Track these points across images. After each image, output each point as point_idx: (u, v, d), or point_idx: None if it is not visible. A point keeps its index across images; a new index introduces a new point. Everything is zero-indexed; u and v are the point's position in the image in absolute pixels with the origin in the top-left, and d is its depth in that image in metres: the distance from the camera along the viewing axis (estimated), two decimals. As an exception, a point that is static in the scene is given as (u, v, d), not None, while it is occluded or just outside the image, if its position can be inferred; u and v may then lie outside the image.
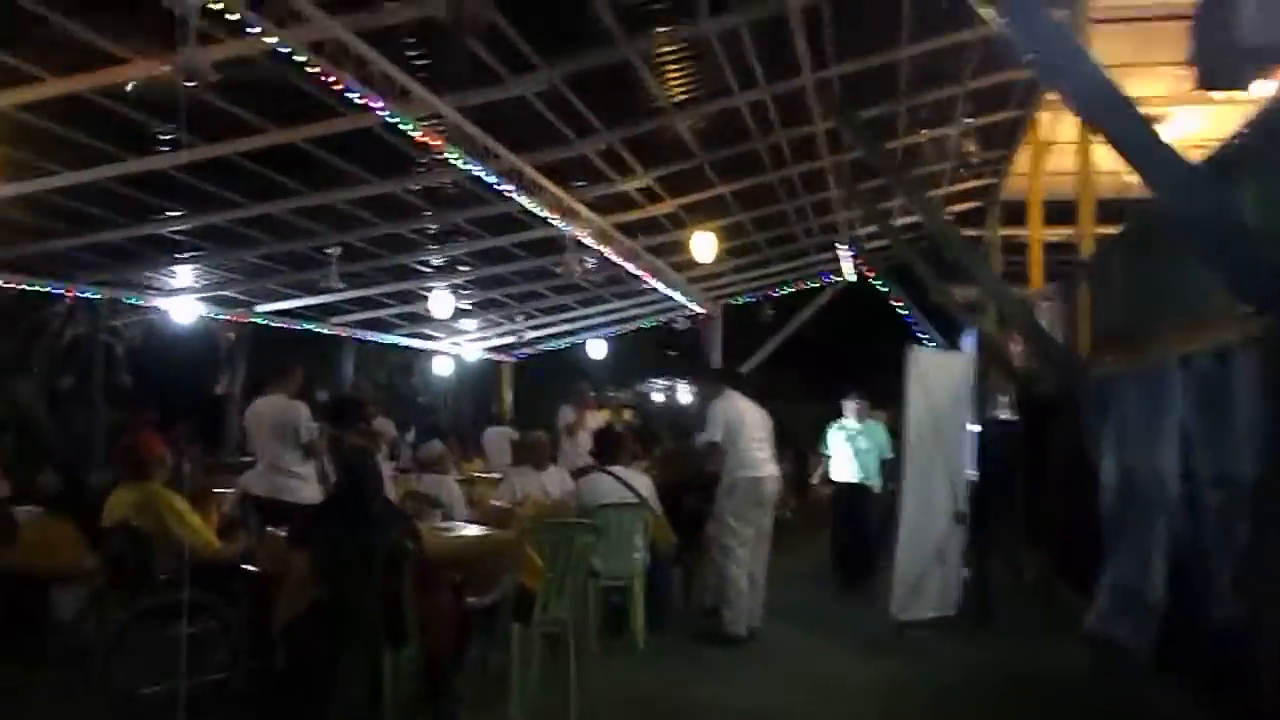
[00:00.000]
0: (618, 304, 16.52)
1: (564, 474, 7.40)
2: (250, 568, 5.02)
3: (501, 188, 8.11)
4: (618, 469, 6.65)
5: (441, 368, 16.89)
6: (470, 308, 15.17)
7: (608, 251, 10.99)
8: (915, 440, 7.42)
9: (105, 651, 4.90)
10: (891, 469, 9.02)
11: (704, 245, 10.35)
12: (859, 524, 9.54)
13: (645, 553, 6.47)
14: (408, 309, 14.63)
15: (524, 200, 8.52)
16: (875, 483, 9.73)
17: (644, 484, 6.63)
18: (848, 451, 9.74)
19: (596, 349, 16.95)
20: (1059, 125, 10.22)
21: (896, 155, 10.71)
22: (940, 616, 7.35)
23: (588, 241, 10.36)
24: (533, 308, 15.96)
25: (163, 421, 9.10)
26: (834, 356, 18.99)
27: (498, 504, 6.68)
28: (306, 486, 6.59)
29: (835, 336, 18.83)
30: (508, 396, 18.49)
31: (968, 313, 14.02)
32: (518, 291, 14.62)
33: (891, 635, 7.12)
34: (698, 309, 16.49)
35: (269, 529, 5.39)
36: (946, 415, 7.53)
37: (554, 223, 9.39)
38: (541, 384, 21.26)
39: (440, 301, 11.66)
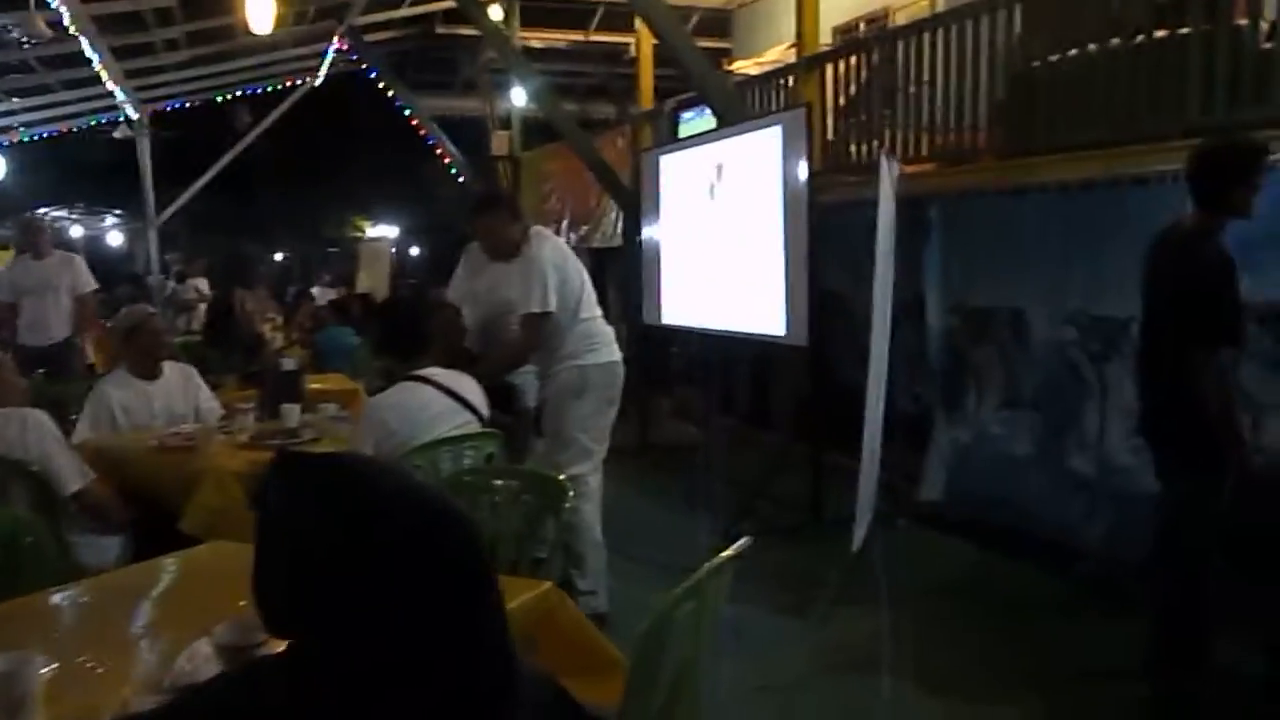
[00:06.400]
0: (14, 103, 11.80)
1: (189, 377, 4.36)
2: None
3: None
4: (435, 371, 3.43)
5: None
6: None
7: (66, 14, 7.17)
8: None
9: None
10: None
11: (261, 8, 6.96)
12: None
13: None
14: None
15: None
16: None
17: (474, 389, 3.53)
18: None
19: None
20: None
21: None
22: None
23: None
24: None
25: None
26: (314, 180, 15.82)
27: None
28: None
29: (311, 155, 15.64)
30: None
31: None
32: None
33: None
34: (132, 114, 12.36)
35: None
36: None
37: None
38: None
39: None
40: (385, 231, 21.03)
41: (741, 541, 1.98)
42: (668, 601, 1.76)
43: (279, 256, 23.27)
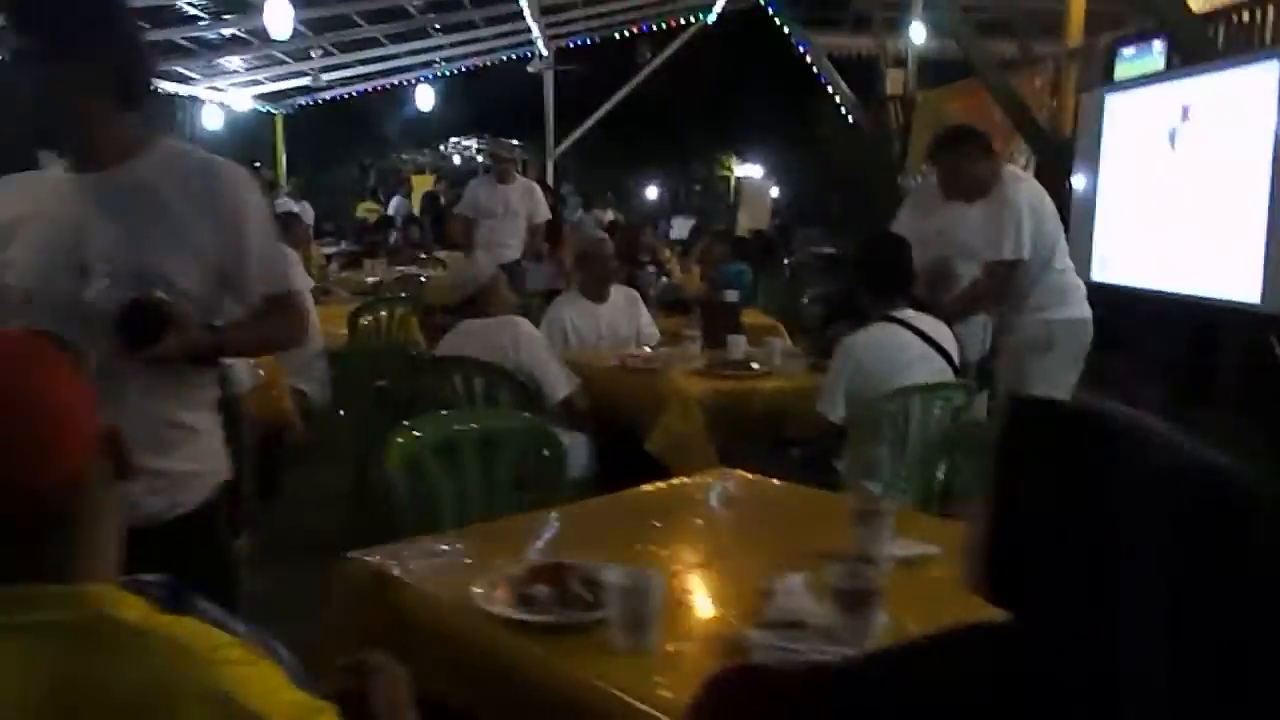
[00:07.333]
0: (439, 40, 12.85)
1: (633, 301, 4.52)
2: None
3: None
4: (911, 314, 3.19)
5: (209, 120, 12.53)
6: (244, 35, 11.20)
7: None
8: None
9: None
10: None
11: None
12: None
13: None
14: (159, 35, 10.53)
15: None
16: None
17: (949, 336, 3.28)
18: None
19: (425, 97, 13.17)
20: None
21: None
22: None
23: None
24: (330, 42, 12.04)
25: None
26: (694, 117, 16.10)
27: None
28: None
29: (694, 93, 15.88)
30: (282, 158, 14.53)
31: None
32: (320, 16, 10.76)
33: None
34: (542, 49, 13.09)
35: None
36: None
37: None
38: (322, 142, 17.31)
39: (276, 10, 7.77)
40: (752, 170, 20.99)
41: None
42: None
43: (653, 193, 23.82)
